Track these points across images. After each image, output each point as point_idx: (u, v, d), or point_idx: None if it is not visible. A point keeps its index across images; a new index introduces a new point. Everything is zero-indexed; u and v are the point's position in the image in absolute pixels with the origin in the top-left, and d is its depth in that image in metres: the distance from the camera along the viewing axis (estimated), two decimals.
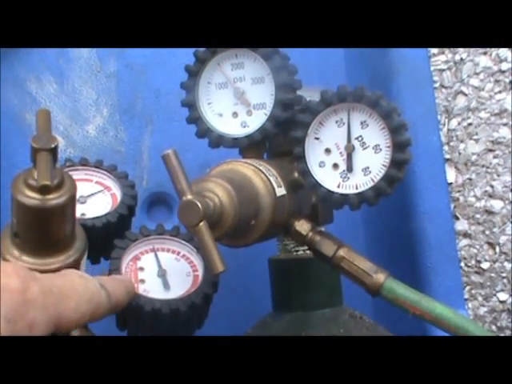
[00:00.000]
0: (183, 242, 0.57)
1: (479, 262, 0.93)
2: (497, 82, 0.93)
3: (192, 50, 0.59)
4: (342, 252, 0.54)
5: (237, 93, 0.59)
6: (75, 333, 0.47)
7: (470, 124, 0.93)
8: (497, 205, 0.92)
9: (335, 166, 0.54)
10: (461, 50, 0.93)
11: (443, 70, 0.94)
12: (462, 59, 0.93)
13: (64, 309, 0.41)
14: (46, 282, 0.41)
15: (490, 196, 0.92)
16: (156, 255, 0.55)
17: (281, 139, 0.60)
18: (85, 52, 0.86)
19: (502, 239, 0.92)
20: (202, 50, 0.59)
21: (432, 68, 0.91)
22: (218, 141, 0.59)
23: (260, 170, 0.54)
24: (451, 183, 0.93)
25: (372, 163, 0.53)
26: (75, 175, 0.57)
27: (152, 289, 0.53)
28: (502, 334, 0.91)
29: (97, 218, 0.56)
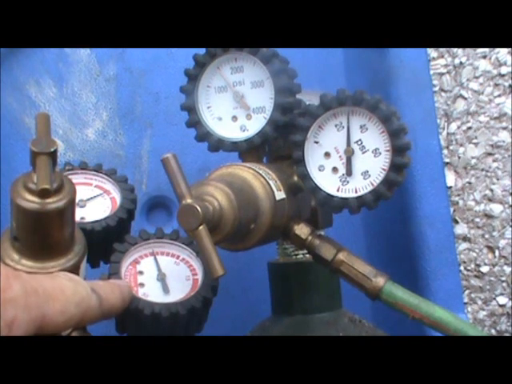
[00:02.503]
0: (183, 245, 0.57)
1: (479, 265, 0.93)
2: (496, 85, 0.93)
3: (191, 53, 0.59)
4: (341, 256, 0.54)
5: (236, 96, 0.58)
6: (74, 333, 0.47)
7: (469, 128, 0.93)
8: (496, 209, 0.92)
9: (335, 169, 0.54)
10: (460, 53, 0.93)
11: (443, 74, 0.94)
12: (461, 63, 0.93)
13: (49, 310, 0.41)
14: (32, 282, 0.41)
15: (490, 200, 0.92)
16: (155, 259, 0.55)
17: (280, 143, 0.60)
18: (84, 56, 0.86)
19: (502, 243, 0.92)
20: (201, 53, 0.59)
21: (431, 72, 0.91)
22: (218, 144, 0.59)
23: (259, 173, 0.54)
24: (451, 187, 0.93)
25: (371, 167, 0.53)
26: (75, 179, 0.57)
27: (151, 292, 0.53)
28: None
29: (96, 221, 0.56)
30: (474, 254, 0.93)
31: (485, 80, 0.93)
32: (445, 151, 0.93)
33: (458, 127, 0.93)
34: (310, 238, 0.56)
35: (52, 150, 0.44)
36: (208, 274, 0.52)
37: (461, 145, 0.93)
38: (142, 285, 0.54)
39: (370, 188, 0.53)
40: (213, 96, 0.59)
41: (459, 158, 0.93)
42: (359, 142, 0.53)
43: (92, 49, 0.86)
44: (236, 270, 0.80)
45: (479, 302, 0.93)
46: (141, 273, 0.54)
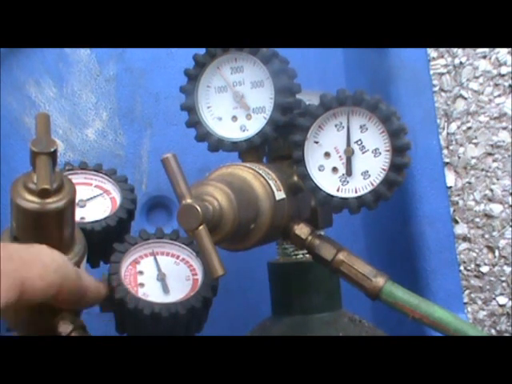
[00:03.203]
0: (183, 245, 0.57)
1: (478, 265, 0.93)
2: (496, 85, 0.93)
3: (191, 53, 0.59)
4: (341, 256, 0.54)
5: (236, 96, 0.58)
6: (74, 333, 0.47)
7: (469, 128, 0.93)
8: (496, 208, 0.92)
9: (334, 169, 0.54)
10: (460, 53, 0.93)
11: (443, 74, 0.94)
12: (461, 63, 0.93)
13: (27, 275, 0.41)
14: (6, 248, 0.41)
15: (490, 200, 0.92)
16: (155, 259, 0.55)
17: (280, 143, 0.60)
18: (84, 56, 0.86)
19: (502, 243, 0.92)
20: (201, 53, 0.59)
21: (431, 72, 0.91)
22: (218, 145, 0.59)
23: (259, 173, 0.54)
24: (450, 187, 0.93)
25: (371, 167, 0.53)
26: (74, 179, 0.57)
27: (151, 292, 0.53)
28: None
29: (96, 221, 0.56)
30: (474, 254, 0.93)
31: (485, 80, 0.93)
32: (445, 151, 0.93)
33: (458, 127, 0.93)
34: (309, 238, 0.56)
35: (52, 149, 0.44)
36: (208, 274, 0.51)
37: (461, 145, 0.93)
38: (141, 285, 0.53)
39: (369, 188, 0.53)
40: (213, 96, 0.59)
41: (459, 158, 0.93)
42: (359, 142, 0.53)
43: (92, 49, 0.86)
44: (236, 270, 0.80)
45: (479, 302, 0.93)
46: (141, 273, 0.54)
